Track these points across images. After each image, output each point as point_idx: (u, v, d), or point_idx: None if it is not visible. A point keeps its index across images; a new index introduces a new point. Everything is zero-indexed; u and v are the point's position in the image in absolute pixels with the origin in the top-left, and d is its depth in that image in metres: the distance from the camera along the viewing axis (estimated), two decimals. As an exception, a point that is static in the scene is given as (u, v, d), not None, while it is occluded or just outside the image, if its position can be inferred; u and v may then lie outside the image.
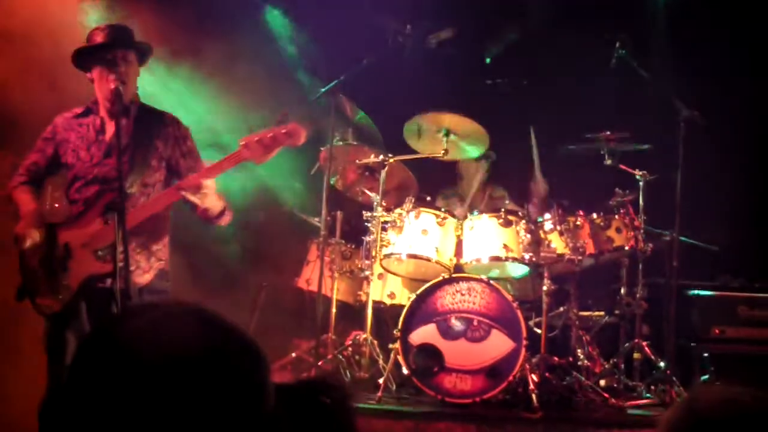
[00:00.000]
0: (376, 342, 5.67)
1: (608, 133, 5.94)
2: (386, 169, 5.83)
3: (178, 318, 1.25)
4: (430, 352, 5.29)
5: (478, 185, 6.81)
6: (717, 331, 5.96)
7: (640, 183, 5.87)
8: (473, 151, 6.24)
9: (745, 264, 6.49)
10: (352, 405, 1.45)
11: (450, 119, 5.88)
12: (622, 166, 5.95)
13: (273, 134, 3.99)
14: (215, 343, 1.22)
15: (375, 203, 5.79)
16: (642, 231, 5.73)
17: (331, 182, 6.25)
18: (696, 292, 6.09)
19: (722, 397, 1.74)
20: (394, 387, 5.41)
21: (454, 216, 5.74)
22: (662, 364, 5.63)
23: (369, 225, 5.78)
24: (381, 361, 5.51)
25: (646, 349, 5.72)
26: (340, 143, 6.19)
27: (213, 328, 1.25)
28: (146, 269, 4.21)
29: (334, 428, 1.41)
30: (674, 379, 5.52)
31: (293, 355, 6.13)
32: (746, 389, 1.75)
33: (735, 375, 5.62)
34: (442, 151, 5.91)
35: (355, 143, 6.27)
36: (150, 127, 4.30)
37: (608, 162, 5.96)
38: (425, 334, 5.37)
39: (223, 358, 1.21)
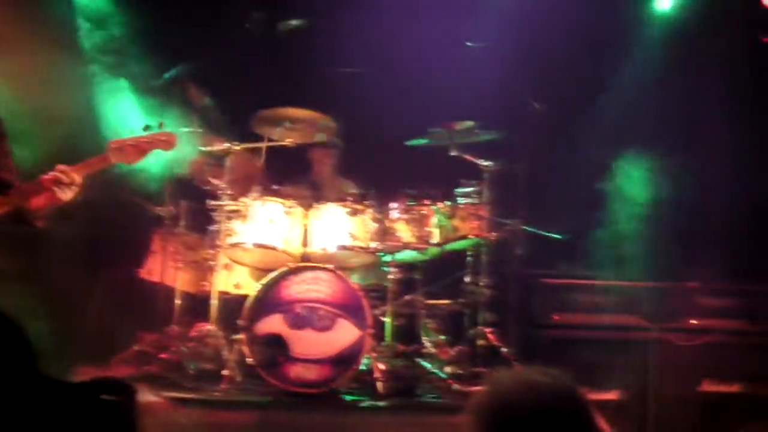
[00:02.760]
0: (221, 333, 5.56)
1: (453, 123, 6.03)
2: (232, 156, 5.73)
3: None
4: (274, 342, 5.23)
5: (329, 175, 6.79)
6: (556, 317, 6.15)
7: (485, 173, 5.99)
8: (320, 137, 6.25)
9: (583, 252, 6.70)
10: (137, 403, 1.51)
11: (294, 111, 5.85)
12: (467, 157, 6.05)
13: (151, 140, 4.29)
14: None
15: (221, 192, 5.68)
16: (486, 220, 5.85)
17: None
18: (537, 279, 6.27)
19: (522, 379, 1.86)
20: (239, 378, 5.32)
21: (301, 205, 5.70)
22: (505, 350, 5.78)
23: (214, 214, 5.66)
24: (226, 352, 5.41)
25: (489, 335, 5.85)
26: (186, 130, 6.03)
27: None
28: None
29: (117, 425, 1.45)
30: (517, 364, 5.67)
31: (136, 348, 5.92)
32: (546, 371, 1.87)
33: (573, 359, 5.80)
34: (288, 140, 5.86)
35: (200, 130, 6.11)
36: None
37: (454, 153, 6.05)
38: (271, 324, 5.31)
39: None
